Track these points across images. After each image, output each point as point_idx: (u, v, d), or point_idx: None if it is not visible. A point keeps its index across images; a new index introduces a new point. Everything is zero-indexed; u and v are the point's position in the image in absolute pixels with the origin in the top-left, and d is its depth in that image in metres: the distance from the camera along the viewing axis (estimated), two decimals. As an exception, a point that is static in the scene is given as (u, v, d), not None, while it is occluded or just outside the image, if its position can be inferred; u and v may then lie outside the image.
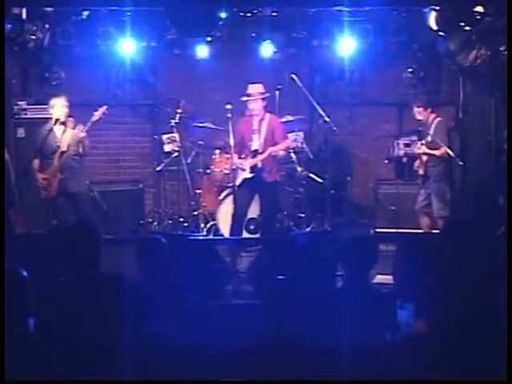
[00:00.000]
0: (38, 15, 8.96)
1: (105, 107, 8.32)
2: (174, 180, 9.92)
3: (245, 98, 8.46)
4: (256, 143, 8.48)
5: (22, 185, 8.49)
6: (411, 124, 9.70)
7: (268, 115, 8.54)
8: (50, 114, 8.28)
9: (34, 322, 4.11)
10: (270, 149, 8.43)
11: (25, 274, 3.82)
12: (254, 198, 8.64)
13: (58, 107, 8.15)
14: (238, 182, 8.54)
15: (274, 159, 8.56)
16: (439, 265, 4.34)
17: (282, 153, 8.67)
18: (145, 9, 8.96)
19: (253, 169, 8.44)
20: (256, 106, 8.43)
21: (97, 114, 8.24)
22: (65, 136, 8.19)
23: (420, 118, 8.76)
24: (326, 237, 4.88)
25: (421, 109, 8.74)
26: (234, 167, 8.54)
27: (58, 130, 8.21)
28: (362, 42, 9.43)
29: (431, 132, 8.66)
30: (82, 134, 8.14)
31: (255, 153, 8.46)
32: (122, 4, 8.63)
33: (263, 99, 8.45)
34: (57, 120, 8.14)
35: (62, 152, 8.15)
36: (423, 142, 8.69)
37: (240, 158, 8.54)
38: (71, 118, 8.27)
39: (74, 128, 8.24)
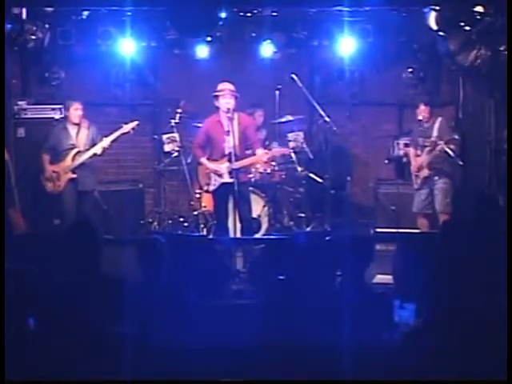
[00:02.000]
0: (38, 15, 8.96)
1: (136, 122, 8.66)
2: (173, 180, 9.91)
3: (217, 94, 8.11)
4: (229, 145, 8.05)
5: (22, 184, 8.50)
6: (411, 124, 9.71)
7: (237, 114, 8.19)
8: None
9: (34, 321, 4.11)
10: (248, 160, 8.17)
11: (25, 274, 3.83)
12: (231, 201, 8.29)
13: (72, 110, 8.51)
14: (214, 187, 8.31)
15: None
16: (439, 265, 4.34)
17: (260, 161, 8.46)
18: (145, 9, 8.96)
19: (231, 173, 8.08)
20: (228, 102, 8.03)
21: (126, 127, 8.59)
22: (80, 136, 8.56)
23: (422, 116, 8.76)
24: (325, 237, 4.87)
25: (426, 107, 8.76)
26: (207, 170, 8.34)
27: (72, 129, 8.57)
28: (362, 41, 9.42)
29: (435, 131, 8.68)
30: (108, 142, 8.50)
31: (230, 156, 8.03)
32: (122, 4, 8.63)
33: (235, 97, 8.10)
34: (70, 119, 8.54)
35: (78, 152, 8.50)
36: (422, 143, 8.75)
37: (213, 160, 8.30)
38: (85, 119, 8.59)
39: (88, 128, 8.59)
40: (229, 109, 8.06)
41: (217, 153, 8.25)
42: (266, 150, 8.45)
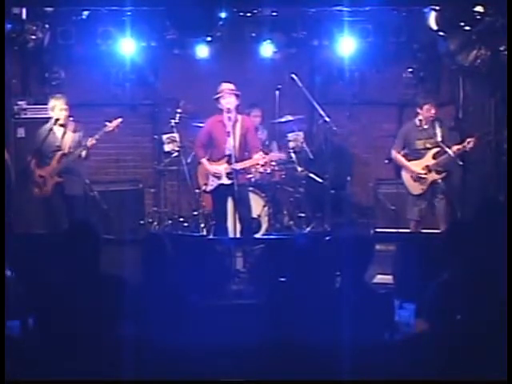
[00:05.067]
0: (38, 15, 8.97)
1: (120, 120, 8.29)
2: (173, 180, 9.91)
3: (217, 96, 8.07)
4: (230, 147, 8.03)
5: (22, 184, 8.49)
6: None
7: (240, 117, 8.18)
8: (49, 114, 8.27)
9: (34, 322, 4.12)
10: (244, 163, 8.08)
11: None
12: (229, 202, 8.30)
13: (57, 110, 8.10)
14: (212, 187, 8.28)
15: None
16: (439, 265, 4.34)
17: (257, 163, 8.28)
18: (145, 9, 8.97)
19: (229, 175, 8.06)
20: (229, 101, 7.99)
21: (110, 125, 8.22)
22: (66, 138, 8.16)
23: (426, 116, 8.39)
24: (325, 237, 4.88)
25: (431, 107, 8.42)
26: (206, 170, 8.31)
27: (58, 130, 8.17)
28: (362, 41, 9.43)
29: (437, 132, 8.43)
30: (92, 142, 8.09)
31: (229, 157, 8.02)
32: (122, 4, 8.64)
33: (236, 96, 8.06)
34: (57, 120, 8.10)
35: (63, 154, 8.12)
36: (422, 145, 8.46)
37: (211, 160, 8.26)
38: (72, 120, 8.25)
39: (75, 131, 8.21)
40: (229, 108, 8.03)
41: (217, 153, 8.23)
42: (263, 154, 8.34)
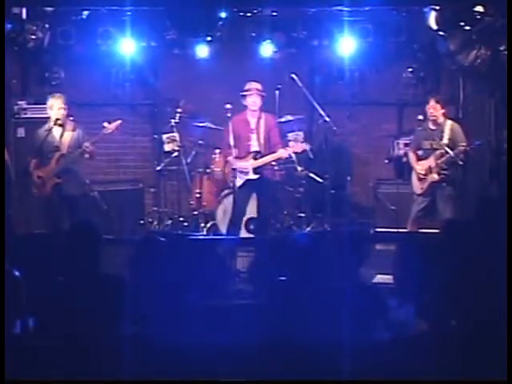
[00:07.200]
0: (38, 15, 8.98)
1: (119, 121, 8.30)
2: (173, 180, 9.91)
3: (244, 93, 8.45)
4: (255, 143, 8.50)
5: (22, 184, 8.49)
6: (411, 124, 9.70)
7: (264, 114, 8.56)
8: (48, 114, 8.27)
9: (34, 321, 4.12)
10: (270, 156, 8.45)
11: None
12: (253, 197, 8.64)
13: (56, 109, 8.06)
14: (239, 183, 8.52)
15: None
16: (439, 265, 4.34)
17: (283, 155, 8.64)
18: (145, 9, 8.97)
19: (256, 170, 8.45)
20: (255, 100, 8.42)
21: (109, 127, 8.21)
22: (64, 138, 8.11)
23: (432, 115, 8.45)
24: (325, 236, 4.88)
25: (437, 105, 8.45)
26: (233, 167, 8.48)
27: (56, 130, 8.11)
28: (362, 41, 9.44)
29: (446, 133, 8.43)
30: (90, 145, 8.04)
31: (256, 153, 8.46)
32: (122, 4, 8.65)
33: (262, 96, 8.47)
34: (56, 120, 8.06)
35: (62, 155, 8.07)
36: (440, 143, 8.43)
37: (238, 158, 8.49)
38: (71, 119, 8.23)
39: (73, 130, 8.17)
40: (256, 108, 8.40)
41: (242, 150, 8.49)
42: (286, 148, 8.65)
